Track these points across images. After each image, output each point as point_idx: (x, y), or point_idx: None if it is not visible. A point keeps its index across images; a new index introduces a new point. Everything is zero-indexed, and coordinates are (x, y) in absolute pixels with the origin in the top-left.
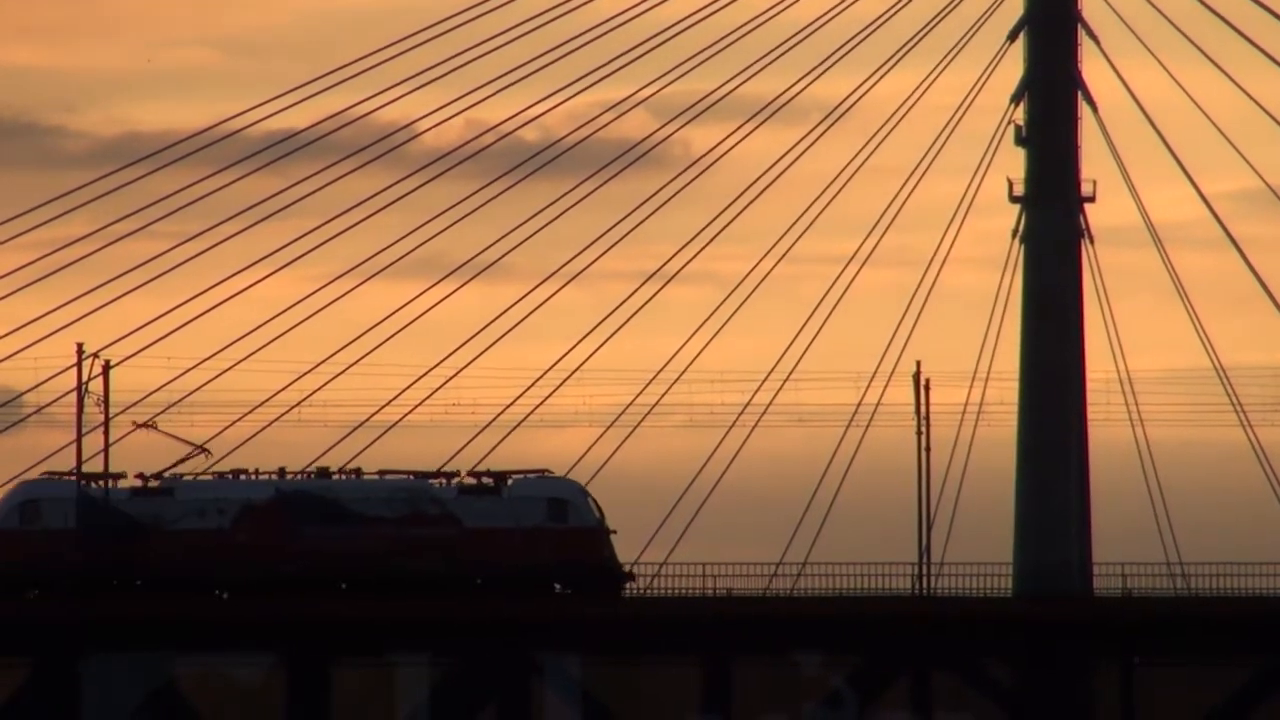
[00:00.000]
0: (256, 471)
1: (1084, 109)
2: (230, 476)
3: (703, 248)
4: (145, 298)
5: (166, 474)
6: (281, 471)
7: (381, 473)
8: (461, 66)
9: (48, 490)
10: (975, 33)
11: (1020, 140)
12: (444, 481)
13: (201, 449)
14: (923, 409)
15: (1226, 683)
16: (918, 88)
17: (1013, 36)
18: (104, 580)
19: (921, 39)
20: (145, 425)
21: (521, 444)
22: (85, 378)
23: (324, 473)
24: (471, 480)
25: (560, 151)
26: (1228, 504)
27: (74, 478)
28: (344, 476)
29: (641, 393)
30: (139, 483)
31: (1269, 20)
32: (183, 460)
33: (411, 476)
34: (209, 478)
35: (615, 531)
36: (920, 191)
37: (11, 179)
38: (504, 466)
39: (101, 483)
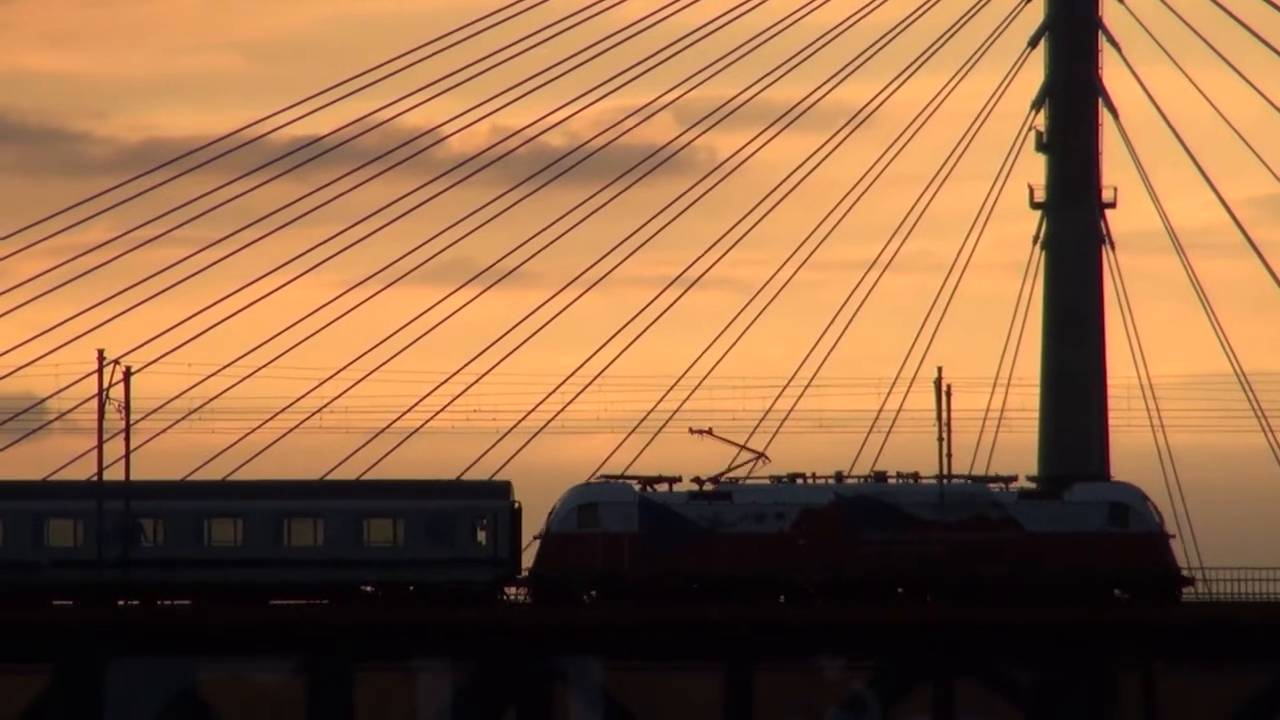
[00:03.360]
0: (814, 475)
1: (1105, 115)
2: (787, 480)
3: (724, 253)
4: (167, 304)
5: (723, 478)
6: (839, 476)
7: (939, 477)
8: (485, 72)
9: (605, 493)
10: (997, 39)
11: (1041, 146)
12: (1003, 486)
13: (760, 455)
14: (944, 415)
15: (1247, 687)
16: (939, 94)
17: (1034, 43)
18: (661, 584)
19: (943, 45)
20: (702, 432)
21: (542, 450)
22: (106, 384)
23: (881, 476)
24: (1030, 485)
25: (584, 157)
26: (1249, 509)
27: (631, 481)
28: (901, 480)
29: (663, 399)
30: (696, 486)
31: None
32: (736, 465)
33: (968, 480)
34: (765, 482)
35: (1175, 536)
36: (942, 197)
37: (39, 185)
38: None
39: (658, 486)
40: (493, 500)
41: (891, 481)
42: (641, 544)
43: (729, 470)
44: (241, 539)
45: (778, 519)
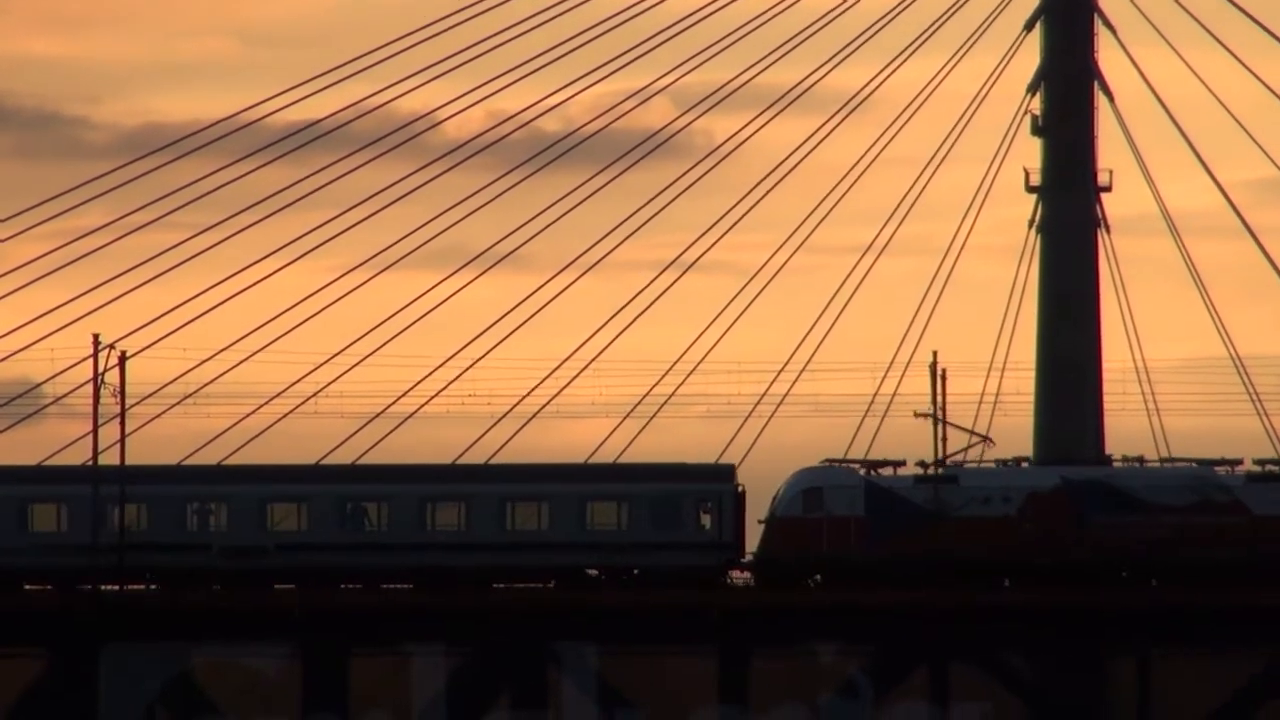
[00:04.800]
0: (1039, 459)
1: (1100, 98)
2: (1013, 464)
3: (720, 237)
4: (162, 289)
5: (947, 461)
6: (1065, 460)
7: (1164, 460)
8: (481, 55)
9: (831, 477)
10: (992, 23)
11: (1037, 130)
12: (1229, 469)
13: (985, 438)
14: (939, 399)
15: (1243, 672)
16: (935, 77)
17: (1029, 26)
18: (887, 568)
19: (939, 29)
20: (927, 415)
21: (539, 435)
22: (101, 369)
23: (1106, 460)
24: (1257, 468)
25: (580, 140)
26: None
27: (855, 465)
28: (1125, 464)
29: (658, 383)
30: (920, 470)
31: None
32: (966, 449)
33: (1194, 464)
34: (990, 465)
35: None
36: (937, 181)
37: (36, 170)
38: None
39: (883, 470)
40: (717, 483)
41: (1117, 465)
42: (867, 528)
43: (956, 454)
44: (464, 523)
45: (1004, 503)
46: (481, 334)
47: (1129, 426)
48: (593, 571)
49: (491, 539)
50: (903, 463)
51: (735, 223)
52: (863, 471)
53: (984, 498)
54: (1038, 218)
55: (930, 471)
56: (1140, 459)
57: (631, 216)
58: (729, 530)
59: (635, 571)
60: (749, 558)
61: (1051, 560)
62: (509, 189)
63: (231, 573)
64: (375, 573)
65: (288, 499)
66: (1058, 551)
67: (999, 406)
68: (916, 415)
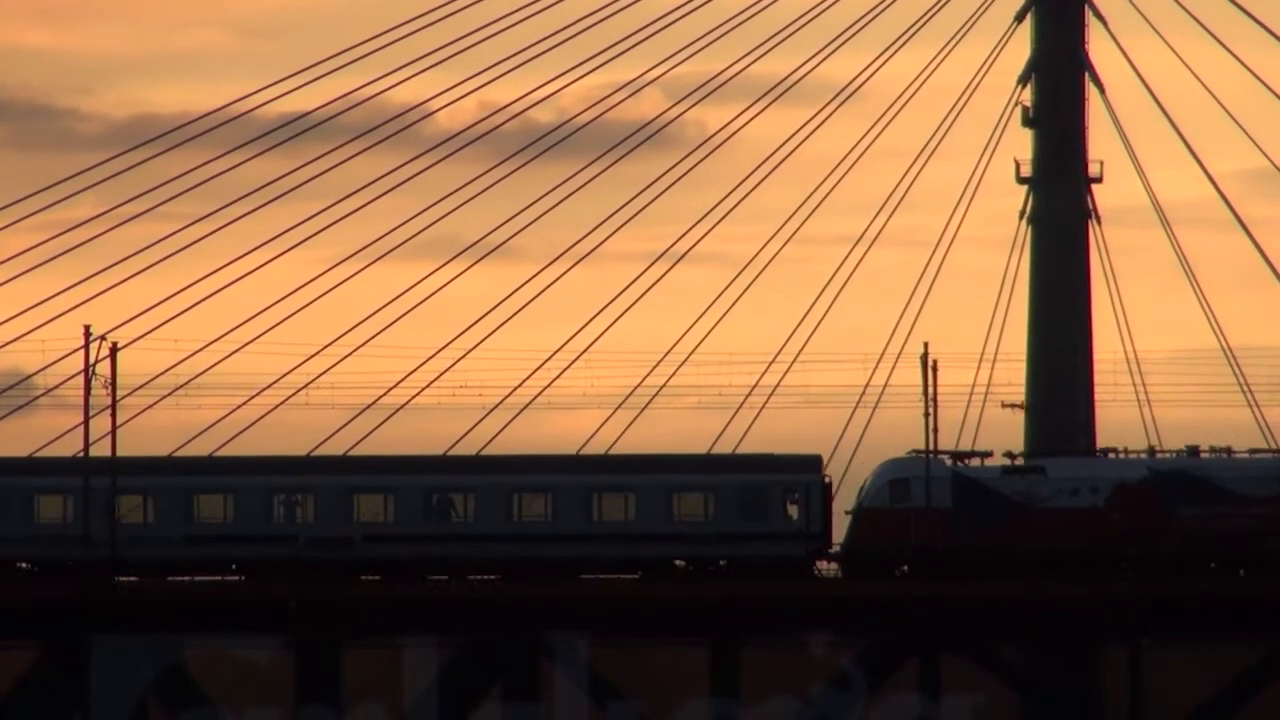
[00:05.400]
0: (1125, 450)
1: (1091, 90)
2: (1100, 455)
3: (711, 228)
4: (153, 280)
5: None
6: (1151, 450)
7: (1253, 451)
8: (472, 47)
9: (917, 468)
10: (983, 13)
11: (1027, 121)
12: None
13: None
14: (930, 390)
15: (1235, 662)
16: (926, 68)
17: (1020, 17)
18: (974, 558)
19: (930, 19)
20: (1015, 406)
21: (530, 426)
22: (92, 360)
23: (1194, 451)
24: None
25: (571, 131)
26: None
27: (943, 456)
28: (1213, 454)
29: (650, 374)
30: (1008, 461)
31: (1276, 0)
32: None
33: None
34: (1079, 456)
35: None
36: (928, 172)
37: (27, 161)
38: None
39: (969, 460)
40: (804, 474)
41: (1205, 456)
42: (954, 519)
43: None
44: (551, 514)
45: (1091, 494)
46: (473, 325)
47: (1120, 417)
48: (680, 562)
49: (578, 530)
50: (989, 453)
51: (727, 214)
52: (949, 462)
53: (1072, 489)
54: (1028, 209)
55: (1017, 462)
56: (1228, 449)
57: (623, 207)
58: (817, 521)
59: (722, 562)
60: (836, 549)
61: (1139, 551)
62: (500, 180)
63: (318, 563)
64: (461, 563)
65: (374, 490)
66: (1145, 543)
67: (990, 398)
68: (1004, 406)
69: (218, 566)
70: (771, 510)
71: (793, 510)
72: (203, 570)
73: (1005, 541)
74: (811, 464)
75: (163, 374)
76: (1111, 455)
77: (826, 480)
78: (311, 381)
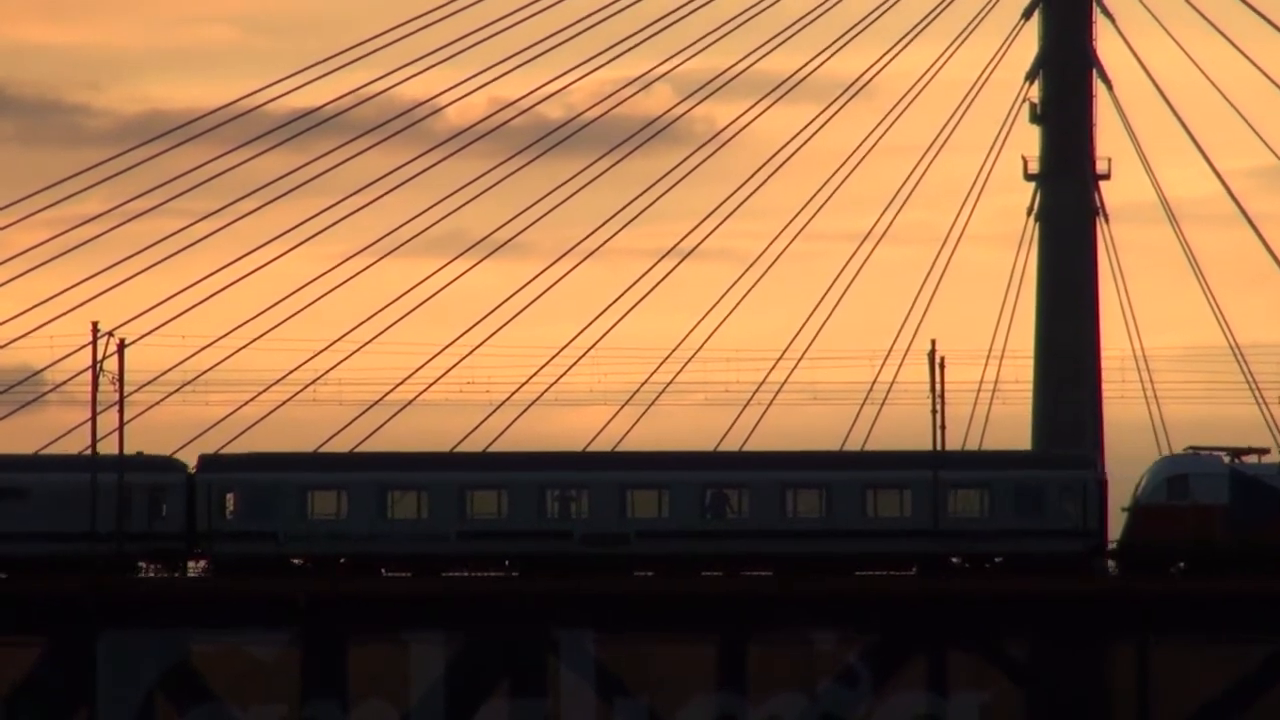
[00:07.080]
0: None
1: (1099, 86)
2: None
3: (719, 224)
4: (161, 276)
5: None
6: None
7: None
8: (482, 42)
9: (1196, 465)
10: (991, 10)
11: (1035, 118)
12: None
13: None
14: (938, 387)
15: (1243, 660)
16: (934, 65)
17: (1028, 14)
18: (1252, 556)
19: (937, 16)
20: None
21: (537, 422)
22: (100, 356)
23: None
24: None
25: (581, 127)
26: None
27: (1220, 452)
28: None
29: (656, 370)
30: None
31: None
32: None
33: None
34: None
35: None
36: (936, 168)
37: (36, 157)
38: None
39: (1247, 457)
40: (1081, 470)
41: None
42: (1232, 516)
43: None
44: (826, 510)
45: None
46: (480, 321)
47: (1127, 415)
48: (955, 559)
49: (853, 526)
50: (1267, 450)
51: (734, 210)
52: (1227, 459)
53: None
54: (1036, 205)
55: None
56: None
57: (631, 203)
58: (1094, 517)
59: (998, 560)
60: (1112, 545)
61: None
62: (509, 176)
63: (594, 559)
64: (736, 560)
65: (649, 486)
66: None
67: (997, 394)
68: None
69: (491, 563)
70: (1048, 507)
71: (1070, 506)
72: (476, 567)
73: None
74: (1089, 460)
75: (170, 370)
76: None
77: (1103, 476)
78: (319, 377)
